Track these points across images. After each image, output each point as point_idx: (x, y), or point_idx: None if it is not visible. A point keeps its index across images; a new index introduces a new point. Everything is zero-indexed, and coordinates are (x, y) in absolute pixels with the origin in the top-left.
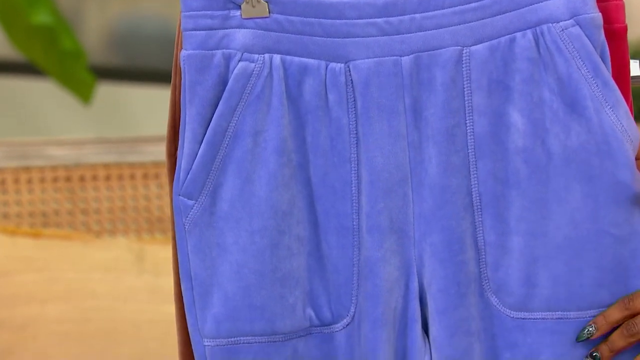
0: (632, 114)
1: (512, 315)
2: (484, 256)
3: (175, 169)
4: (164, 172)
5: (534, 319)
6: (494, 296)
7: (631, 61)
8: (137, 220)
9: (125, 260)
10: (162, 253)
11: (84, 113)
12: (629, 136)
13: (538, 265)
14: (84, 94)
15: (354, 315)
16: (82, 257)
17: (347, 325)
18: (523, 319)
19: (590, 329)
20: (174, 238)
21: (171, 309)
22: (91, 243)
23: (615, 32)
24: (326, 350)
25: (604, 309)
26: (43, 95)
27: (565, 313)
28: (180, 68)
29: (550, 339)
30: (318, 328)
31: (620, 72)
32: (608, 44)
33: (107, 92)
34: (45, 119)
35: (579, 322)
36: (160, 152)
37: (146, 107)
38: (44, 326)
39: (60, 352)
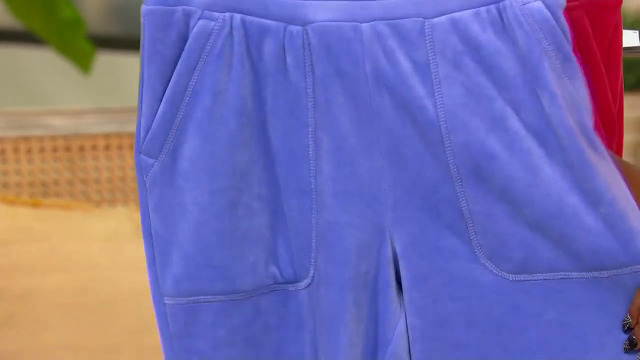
0: (623, 83)
1: (511, 279)
2: (472, 225)
3: None
4: None
5: (536, 280)
6: (489, 261)
7: (630, 31)
8: (137, 190)
9: (125, 230)
10: None
11: (84, 83)
12: (586, 105)
13: (533, 229)
14: (84, 64)
15: (312, 277)
16: (82, 227)
17: (308, 285)
18: (524, 280)
19: (626, 321)
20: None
21: None
22: (91, 213)
23: (607, 4)
24: (290, 307)
25: (605, 271)
26: (42, 64)
27: (567, 273)
28: None
29: (554, 298)
30: (282, 285)
31: (612, 44)
32: (601, 16)
33: (106, 61)
34: (45, 88)
35: (582, 281)
36: None
37: None
38: (44, 296)
39: (60, 322)
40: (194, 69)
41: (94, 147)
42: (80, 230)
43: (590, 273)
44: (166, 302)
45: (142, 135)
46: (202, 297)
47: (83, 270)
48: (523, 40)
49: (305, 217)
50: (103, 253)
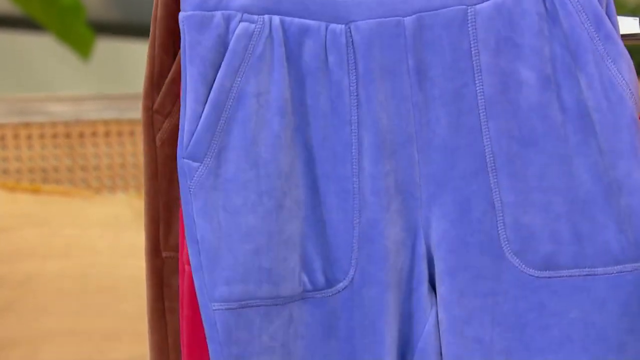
0: None
1: (536, 275)
2: (501, 217)
3: (149, 123)
4: None
5: (561, 277)
6: (515, 257)
7: (631, 18)
8: (137, 177)
9: (125, 216)
10: None
11: (83, 69)
12: (630, 90)
13: (562, 221)
14: (83, 50)
15: (352, 279)
16: (81, 213)
17: (343, 289)
18: (549, 277)
19: None
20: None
21: None
22: (91, 199)
23: None
24: (318, 316)
25: (629, 264)
26: (42, 50)
27: (592, 269)
28: (159, 22)
29: (579, 296)
30: (310, 293)
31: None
32: None
33: (106, 47)
34: (45, 74)
35: (607, 278)
36: None
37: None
38: (44, 282)
39: (59, 308)
40: (237, 71)
41: (94, 134)
42: (80, 217)
43: (615, 267)
44: (215, 308)
45: (185, 139)
46: (251, 300)
47: (83, 256)
48: (566, 21)
49: (346, 217)
50: (103, 239)
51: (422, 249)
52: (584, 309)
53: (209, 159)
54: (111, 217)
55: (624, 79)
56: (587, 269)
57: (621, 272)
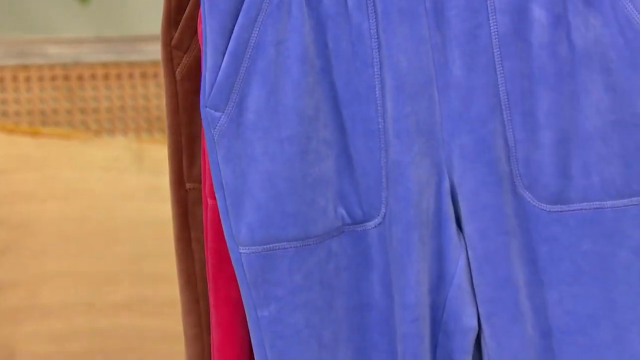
0: None
1: (547, 209)
2: (514, 153)
3: (169, 58)
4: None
5: (572, 210)
6: (527, 191)
7: None
8: (136, 120)
9: (124, 159)
10: (161, 153)
11: (83, 11)
12: None
13: (571, 157)
14: None
15: (384, 216)
16: (81, 156)
17: (378, 225)
18: (560, 211)
19: None
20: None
21: (170, 208)
22: (90, 142)
23: None
24: (359, 248)
25: (636, 198)
26: None
27: (602, 203)
28: None
29: (589, 229)
30: (350, 226)
31: None
32: None
33: None
34: (43, 16)
35: (615, 211)
36: (159, 51)
37: (146, 6)
38: (43, 224)
39: (59, 250)
40: (255, 21)
41: (93, 77)
42: (80, 159)
43: (621, 201)
44: (242, 251)
45: (207, 89)
46: (276, 244)
47: (82, 199)
48: None
49: (374, 157)
50: (102, 182)
51: (446, 188)
52: (594, 241)
53: (230, 108)
54: (110, 160)
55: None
56: (596, 202)
57: (627, 205)
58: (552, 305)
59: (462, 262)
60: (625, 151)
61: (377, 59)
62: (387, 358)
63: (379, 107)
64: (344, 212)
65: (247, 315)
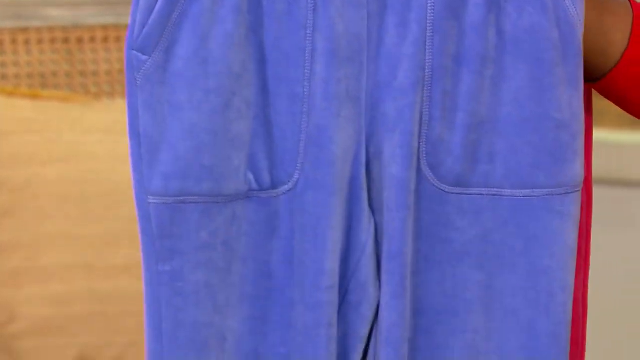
0: None
1: (447, 190)
2: (425, 130)
3: None
4: None
5: (469, 194)
6: (430, 170)
7: None
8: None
9: (125, 122)
10: None
11: None
12: (580, 21)
13: (480, 142)
14: None
15: (297, 182)
16: (81, 119)
17: (288, 191)
18: (458, 194)
19: None
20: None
21: None
22: (90, 105)
23: None
24: (262, 215)
25: (538, 190)
26: None
27: (500, 190)
28: None
29: (483, 215)
30: (256, 192)
31: None
32: None
33: None
34: None
35: (512, 200)
36: None
37: None
38: (44, 187)
39: (59, 213)
40: None
41: (92, 39)
42: (79, 122)
43: (522, 191)
44: (151, 201)
45: (136, 30)
46: (189, 197)
47: (82, 162)
48: None
49: (294, 121)
50: (102, 145)
51: (363, 157)
52: (486, 227)
53: (158, 53)
54: (110, 123)
55: (576, 10)
56: (495, 189)
57: (528, 196)
58: (432, 285)
59: (372, 232)
60: (539, 144)
61: (312, 21)
62: (278, 327)
63: (306, 70)
64: (252, 177)
65: (145, 270)
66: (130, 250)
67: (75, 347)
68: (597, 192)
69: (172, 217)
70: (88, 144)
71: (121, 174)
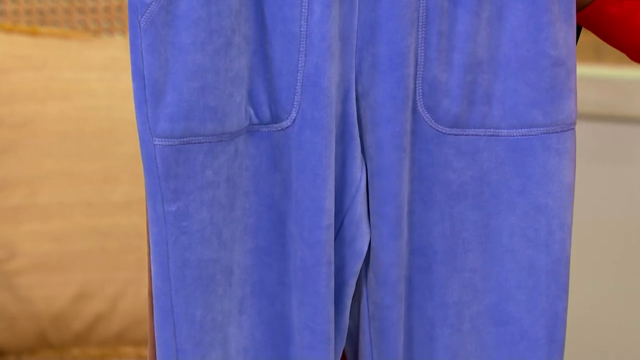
0: None
1: (444, 131)
2: (422, 72)
3: None
4: None
5: (466, 135)
6: (427, 112)
7: None
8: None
9: (123, 59)
10: None
11: None
12: None
13: (477, 82)
14: None
15: (294, 120)
16: (80, 56)
17: (286, 128)
18: (455, 135)
19: None
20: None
21: None
22: (89, 42)
23: None
24: (263, 149)
25: (535, 128)
26: None
27: (496, 130)
28: None
29: (480, 155)
30: (257, 126)
31: None
32: None
33: None
34: None
35: (509, 140)
36: None
37: None
38: (43, 124)
39: (59, 150)
40: None
41: None
42: (78, 59)
43: (519, 130)
44: (157, 143)
45: None
46: (194, 137)
47: (81, 99)
48: None
49: (291, 59)
50: (101, 82)
51: (353, 95)
52: (483, 168)
53: None
54: (109, 60)
55: None
56: (492, 130)
57: (525, 135)
58: (430, 225)
59: (364, 170)
60: (535, 82)
61: None
62: (280, 258)
63: (304, 10)
64: (252, 111)
65: (150, 210)
66: (130, 187)
67: (75, 283)
68: (598, 128)
69: (177, 158)
70: (87, 81)
71: (120, 111)
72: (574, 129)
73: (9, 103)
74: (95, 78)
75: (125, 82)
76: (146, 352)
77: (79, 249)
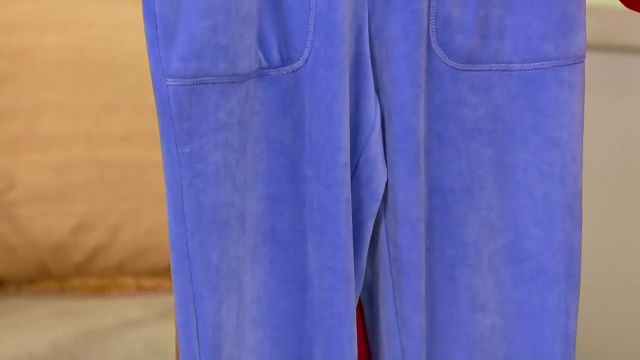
0: None
1: (457, 67)
2: (435, 8)
3: None
4: None
5: (479, 70)
6: (440, 48)
7: None
8: None
9: None
10: None
11: None
12: None
13: (490, 17)
14: None
15: (307, 60)
16: None
17: (298, 69)
18: (468, 70)
19: None
20: None
21: None
22: None
23: None
24: (273, 92)
25: (547, 62)
26: None
27: (509, 65)
28: None
29: (493, 91)
30: (266, 70)
31: None
32: None
33: None
34: None
35: (521, 74)
36: None
37: None
38: (42, 54)
39: (58, 80)
40: None
41: None
42: None
43: (531, 64)
44: (169, 84)
45: None
46: (206, 77)
47: (80, 30)
48: None
49: None
50: (100, 13)
51: (366, 33)
52: (496, 103)
53: None
54: None
55: None
56: (504, 64)
57: (537, 69)
58: (447, 163)
59: (379, 109)
60: (547, 15)
61: None
62: (293, 204)
63: None
64: (261, 55)
65: (164, 152)
66: (129, 120)
67: (75, 214)
68: (597, 58)
69: (190, 98)
70: (85, 13)
71: (119, 43)
72: (583, 62)
73: (6, 33)
74: (94, 9)
75: (124, 14)
76: (146, 282)
77: (78, 180)
